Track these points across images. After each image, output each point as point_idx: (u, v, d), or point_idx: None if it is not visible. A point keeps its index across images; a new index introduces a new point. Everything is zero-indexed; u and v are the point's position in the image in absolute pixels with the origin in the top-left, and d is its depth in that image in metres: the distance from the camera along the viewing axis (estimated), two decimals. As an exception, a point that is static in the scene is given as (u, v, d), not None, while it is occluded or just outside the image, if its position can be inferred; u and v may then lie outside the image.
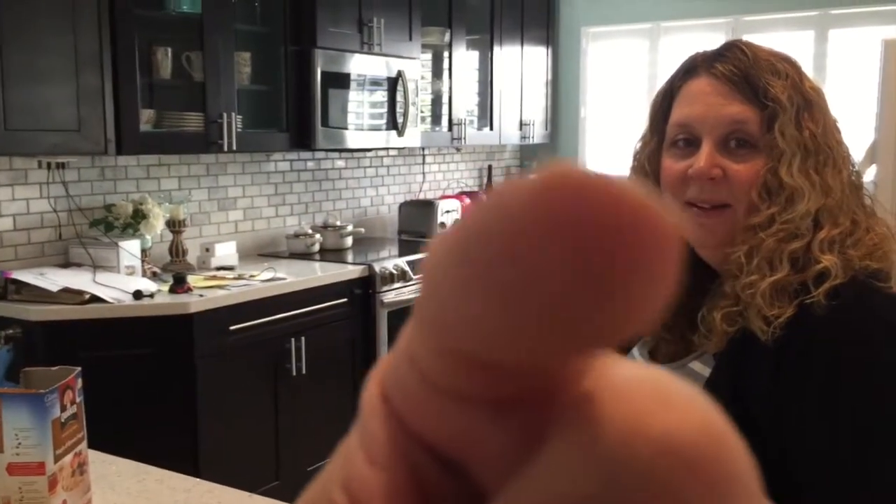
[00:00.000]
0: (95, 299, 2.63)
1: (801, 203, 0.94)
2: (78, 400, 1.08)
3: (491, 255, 0.13)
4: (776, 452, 0.93)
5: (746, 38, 3.89)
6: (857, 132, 4.32)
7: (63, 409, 1.04)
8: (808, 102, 0.98)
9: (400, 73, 3.78)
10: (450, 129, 4.34)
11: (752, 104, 0.97)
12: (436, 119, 4.39)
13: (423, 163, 4.70)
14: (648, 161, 1.07)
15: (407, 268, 3.52)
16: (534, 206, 0.12)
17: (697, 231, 1.01)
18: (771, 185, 0.96)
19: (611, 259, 0.12)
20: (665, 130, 1.05)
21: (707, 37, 4.66)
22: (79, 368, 1.07)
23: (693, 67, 1.02)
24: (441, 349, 0.15)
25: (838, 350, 0.91)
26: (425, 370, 0.15)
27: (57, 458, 1.04)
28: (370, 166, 4.34)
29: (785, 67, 0.99)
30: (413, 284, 3.54)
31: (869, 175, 2.95)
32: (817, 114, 0.98)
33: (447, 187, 4.90)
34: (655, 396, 0.14)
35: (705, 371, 1.02)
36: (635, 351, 1.16)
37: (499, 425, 0.15)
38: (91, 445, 1.22)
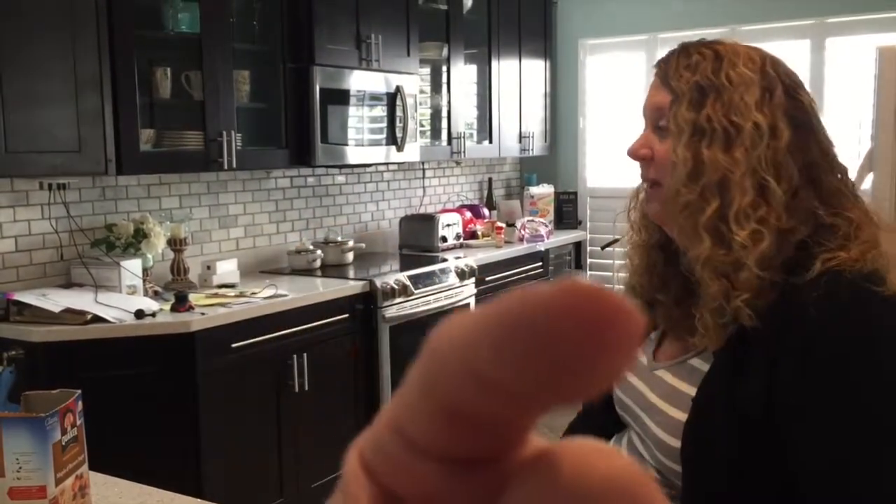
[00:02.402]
0: (97, 319, 2.63)
1: (695, 176, 1.01)
2: (78, 423, 1.08)
3: (527, 335, 0.17)
4: (771, 446, 0.95)
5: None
6: (853, 139, 4.34)
7: (63, 432, 1.04)
8: (715, 88, 1.03)
9: (399, 89, 3.80)
10: (449, 142, 4.36)
11: (670, 93, 1.08)
12: (435, 133, 4.41)
13: (423, 177, 4.71)
14: None
15: (408, 282, 3.52)
16: (558, 304, 0.17)
17: (647, 207, 1.12)
18: (672, 163, 1.05)
19: (598, 345, 0.17)
20: None
21: (704, 47, 4.67)
22: (79, 391, 1.08)
23: None
24: (437, 411, 0.18)
25: (831, 347, 0.93)
26: (413, 434, 0.19)
27: (58, 482, 1.04)
28: (370, 181, 4.35)
29: (701, 59, 1.05)
30: (415, 299, 3.55)
31: (867, 183, 2.95)
32: (725, 97, 1.02)
33: (447, 201, 4.91)
34: (592, 448, 0.18)
35: (704, 367, 1.05)
36: (643, 358, 1.18)
37: (469, 482, 0.18)
38: (93, 466, 1.22)
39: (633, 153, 1.10)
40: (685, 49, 1.09)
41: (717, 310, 0.99)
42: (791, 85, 1.04)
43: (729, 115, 1.01)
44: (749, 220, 0.98)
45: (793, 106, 1.03)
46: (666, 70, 1.08)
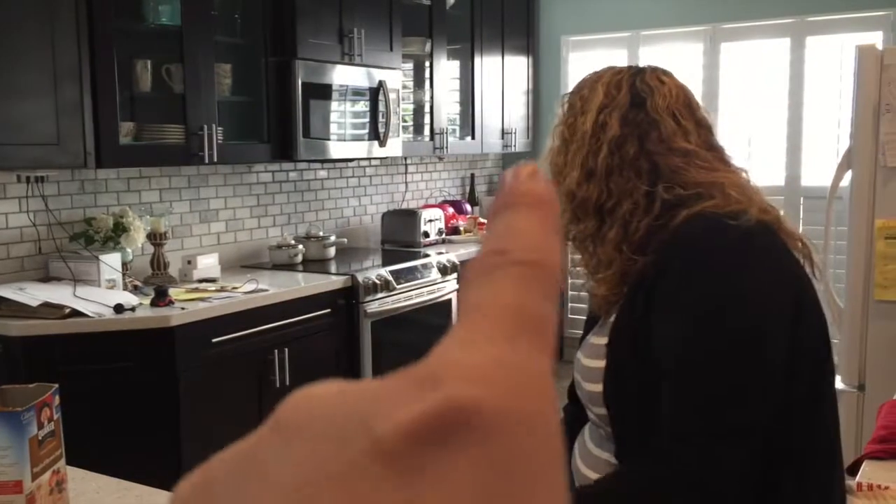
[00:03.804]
0: (76, 314, 2.61)
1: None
2: (55, 417, 1.07)
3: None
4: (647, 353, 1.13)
5: (724, 45, 3.99)
6: (832, 138, 4.37)
7: (40, 426, 1.03)
8: (573, 105, 1.28)
9: (381, 84, 3.79)
10: (432, 138, 4.35)
11: None
12: (418, 128, 4.40)
13: (406, 172, 4.71)
14: None
15: (390, 277, 3.52)
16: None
17: None
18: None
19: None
20: None
21: (686, 45, 4.70)
22: (56, 385, 1.07)
23: None
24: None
25: (680, 269, 1.13)
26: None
27: (34, 476, 1.03)
28: (352, 176, 4.34)
29: (583, 82, 1.30)
30: (397, 294, 3.54)
31: (845, 181, 2.97)
32: (576, 110, 1.27)
33: (430, 196, 4.90)
34: None
35: None
36: (591, 337, 1.31)
37: None
38: (71, 462, 1.22)
39: None
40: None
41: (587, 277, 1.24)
42: (641, 92, 1.24)
43: (574, 125, 1.25)
44: (567, 202, 1.23)
45: (633, 108, 1.23)
46: None
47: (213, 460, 0.22)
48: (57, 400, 1.07)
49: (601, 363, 1.19)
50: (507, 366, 0.19)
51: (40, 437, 1.04)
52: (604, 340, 1.20)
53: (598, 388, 1.18)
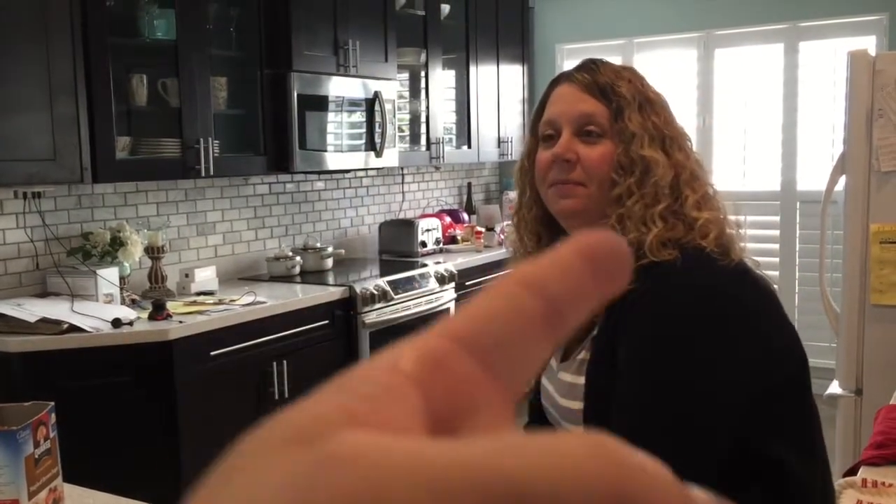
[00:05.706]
0: (74, 329, 2.61)
1: (656, 173, 1.14)
2: (52, 435, 1.07)
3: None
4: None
5: (718, 51, 3.98)
6: (827, 142, 4.38)
7: (36, 445, 1.04)
8: (649, 100, 1.19)
9: (377, 94, 3.80)
10: (428, 148, 4.36)
11: (601, 101, 1.19)
12: (414, 138, 4.41)
13: (403, 182, 4.72)
14: (528, 158, 1.28)
15: (388, 288, 3.52)
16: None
17: (562, 203, 1.21)
18: (624, 162, 1.16)
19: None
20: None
21: (679, 51, 4.71)
22: (52, 403, 1.07)
23: (558, 79, 1.26)
24: None
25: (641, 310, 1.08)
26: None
27: (31, 495, 1.04)
28: (349, 187, 4.35)
29: (628, 74, 1.21)
30: (395, 304, 3.55)
31: (839, 185, 2.98)
32: (658, 109, 1.19)
33: (427, 206, 4.91)
34: None
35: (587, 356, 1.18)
36: (553, 362, 1.27)
37: None
38: (69, 478, 1.22)
39: (561, 156, 1.18)
40: (601, 64, 1.22)
41: None
42: None
43: (668, 125, 1.19)
44: (703, 206, 1.15)
45: None
46: (594, 81, 1.19)
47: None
48: (53, 418, 1.07)
49: (579, 405, 1.16)
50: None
51: (36, 456, 1.04)
52: (578, 380, 1.17)
53: (580, 430, 1.16)
